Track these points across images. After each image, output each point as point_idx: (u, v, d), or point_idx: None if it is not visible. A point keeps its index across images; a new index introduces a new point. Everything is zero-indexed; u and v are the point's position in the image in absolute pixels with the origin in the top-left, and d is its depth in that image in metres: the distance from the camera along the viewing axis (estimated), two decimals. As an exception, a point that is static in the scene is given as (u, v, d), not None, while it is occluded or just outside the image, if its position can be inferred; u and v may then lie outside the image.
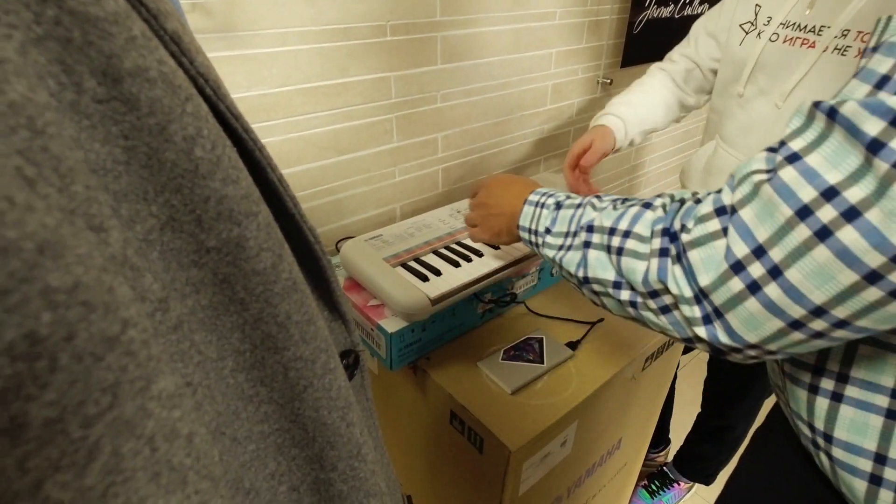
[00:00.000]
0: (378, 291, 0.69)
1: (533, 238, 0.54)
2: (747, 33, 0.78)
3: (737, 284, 0.33)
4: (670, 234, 0.39)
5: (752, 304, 0.33)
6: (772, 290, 0.32)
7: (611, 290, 0.44)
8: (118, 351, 0.10)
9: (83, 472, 0.09)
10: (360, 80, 0.83)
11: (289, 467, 0.23)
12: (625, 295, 0.43)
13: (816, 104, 0.31)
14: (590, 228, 0.46)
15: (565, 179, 0.87)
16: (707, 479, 1.26)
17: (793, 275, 0.31)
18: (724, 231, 0.35)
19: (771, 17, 0.75)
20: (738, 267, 0.33)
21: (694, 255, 0.36)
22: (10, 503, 0.08)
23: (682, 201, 0.42)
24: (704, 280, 0.35)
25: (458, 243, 0.79)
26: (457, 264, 0.74)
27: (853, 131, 0.29)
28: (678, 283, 0.37)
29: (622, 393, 0.77)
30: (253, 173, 0.20)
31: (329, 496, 0.25)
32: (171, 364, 0.16)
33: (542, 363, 0.71)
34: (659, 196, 0.45)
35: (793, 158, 0.31)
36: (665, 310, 0.40)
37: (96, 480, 0.10)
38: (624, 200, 0.47)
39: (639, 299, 0.41)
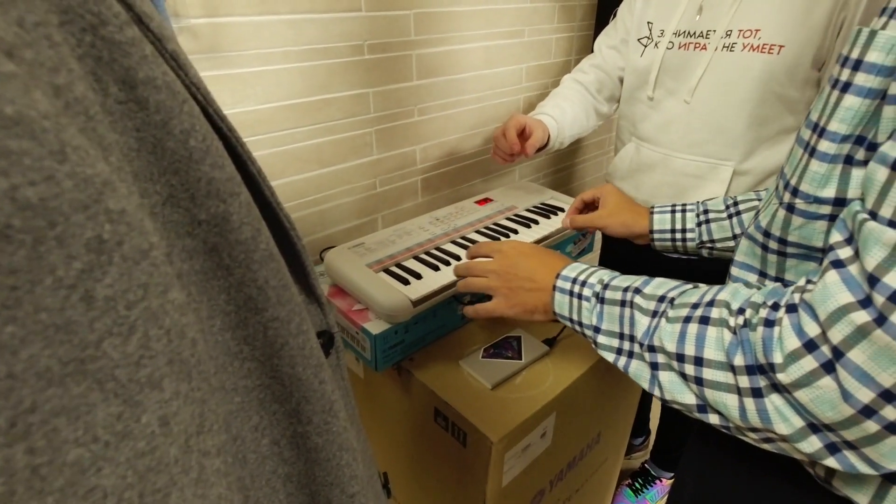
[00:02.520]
0: (362, 295, 0.73)
1: (579, 329, 0.52)
2: (645, 46, 0.90)
3: (872, 426, 0.32)
4: (758, 370, 0.36)
5: (893, 440, 0.32)
6: None
7: (696, 413, 0.41)
8: (148, 261, 0.14)
9: (126, 340, 0.13)
10: (341, 97, 0.87)
11: (270, 421, 0.26)
12: (714, 419, 0.40)
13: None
14: (651, 349, 0.43)
15: (499, 142, 0.92)
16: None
17: None
18: (826, 369, 0.32)
19: (664, 30, 0.87)
20: (868, 411, 0.31)
21: (802, 397, 0.34)
22: (81, 351, 0.12)
23: (745, 318, 0.39)
24: (827, 419, 0.33)
25: (438, 248, 0.83)
26: (436, 268, 0.78)
27: None
28: (786, 422, 0.35)
29: (598, 385, 0.81)
30: (236, 165, 0.24)
31: (306, 448, 0.28)
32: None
33: (521, 359, 0.75)
34: (711, 304, 0.41)
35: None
36: (768, 440, 0.38)
37: (134, 350, 0.13)
38: (672, 301, 0.44)
39: (732, 425, 0.39)
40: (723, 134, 0.84)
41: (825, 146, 0.38)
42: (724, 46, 0.80)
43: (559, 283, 0.54)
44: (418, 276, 0.75)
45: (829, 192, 0.39)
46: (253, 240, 0.22)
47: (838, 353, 0.31)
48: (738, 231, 0.67)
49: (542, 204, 0.99)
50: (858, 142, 0.36)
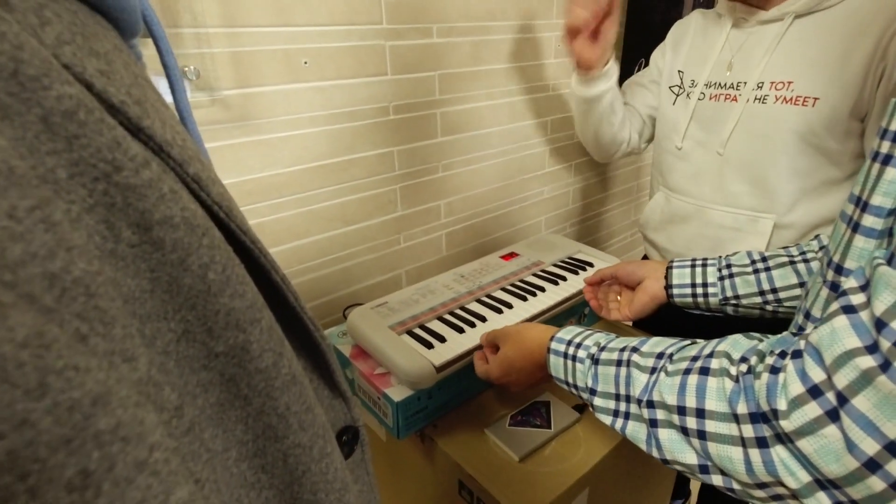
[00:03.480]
0: (384, 360, 0.71)
1: (576, 392, 0.51)
2: (677, 95, 0.89)
3: (878, 483, 0.30)
4: (762, 418, 0.35)
5: None
6: None
7: (699, 475, 0.39)
8: (146, 472, 0.12)
9: None
10: (366, 156, 0.89)
11: None
12: (717, 480, 0.38)
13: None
14: (651, 405, 0.42)
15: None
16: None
17: None
18: (830, 416, 0.31)
19: (695, 80, 0.86)
20: (872, 465, 0.30)
21: (805, 446, 0.32)
22: None
23: (749, 366, 0.37)
24: (831, 472, 0.31)
25: (462, 308, 0.81)
26: (461, 330, 0.76)
27: None
28: (793, 475, 0.33)
29: (633, 454, 0.76)
30: (259, 276, 0.22)
31: None
32: (185, 465, 0.18)
33: (550, 428, 0.71)
34: (711, 355, 0.40)
35: None
36: (778, 498, 0.36)
37: None
38: (671, 356, 0.43)
39: (737, 486, 0.37)
40: (760, 186, 0.81)
41: (871, 221, 0.37)
42: (755, 98, 0.79)
43: (553, 345, 0.53)
44: (442, 339, 0.73)
45: (869, 257, 0.36)
46: (274, 366, 0.21)
47: (843, 399, 0.30)
48: (765, 287, 0.63)
49: (569, 258, 0.97)
50: None
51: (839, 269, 0.39)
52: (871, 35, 0.69)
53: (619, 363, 0.46)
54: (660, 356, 0.44)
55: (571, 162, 1.30)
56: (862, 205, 0.38)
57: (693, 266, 0.69)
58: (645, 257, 1.05)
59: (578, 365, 0.49)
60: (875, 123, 0.72)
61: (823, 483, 0.32)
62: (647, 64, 1.32)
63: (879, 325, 0.29)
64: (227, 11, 0.67)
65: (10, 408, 0.09)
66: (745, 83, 0.80)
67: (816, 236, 0.64)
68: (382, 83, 0.86)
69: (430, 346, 0.72)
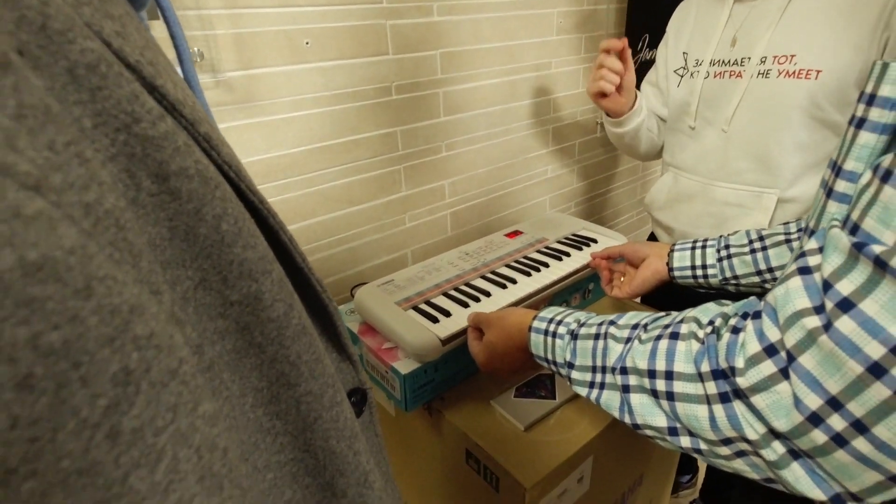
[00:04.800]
0: (391, 334, 0.73)
1: (555, 369, 0.52)
2: (681, 77, 0.89)
3: (820, 436, 0.31)
4: (721, 375, 0.36)
5: (841, 455, 0.30)
6: (861, 444, 0.29)
7: (668, 437, 0.40)
8: (177, 380, 0.14)
9: (154, 469, 0.12)
10: (369, 137, 0.89)
11: (303, 495, 0.26)
12: (685, 441, 0.39)
13: (858, 246, 0.29)
14: (623, 371, 0.43)
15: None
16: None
17: (881, 432, 0.28)
18: (783, 374, 0.32)
19: (699, 59, 0.86)
20: (815, 419, 0.30)
21: (758, 401, 0.33)
22: (106, 491, 0.11)
23: (714, 327, 0.39)
24: (780, 426, 0.32)
25: (467, 284, 0.83)
26: (466, 304, 0.77)
27: None
28: (752, 427, 0.34)
29: (637, 426, 0.77)
30: (268, 236, 0.24)
31: None
32: (210, 387, 0.19)
33: (554, 398, 0.73)
34: (682, 321, 0.42)
35: (846, 306, 0.29)
36: (741, 454, 0.37)
37: (162, 477, 0.13)
38: (645, 326, 0.44)
39: (703, 446, 0.38)
40: (763, 161, 0.81)
41: (843, 186, 0.36)
42: (759, 73, 0.79)
43: (535, 323, 0.54)
44: (447, 314, 0.75)
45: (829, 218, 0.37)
46: (285, 316, 0.22)
47: (791, 357, 0.31)
48: (762, 266, 0.64)
49: (573, 235, 0.97)
50: None
51: (812, 235, 0.39)
52: (874, 5, 0.69)
53: (596, 336, 0.47)
54: (635, 327, 0.45)
55: (575, 141, 1.29)
56: (836, 170, 0.37)
57: (693, 248, 0.70)
58: (652, 236, 1.05)
59: (558, 341, 0.50)
60: None
61: (778, 437, 0.33)
62: (650, 41, 1.31)
63: (826, 286, 0.30)
64: (228, -8, 0.67)
65: (63, 304, 0.11)
66: (749, 58, 0.79)
67: None
68: (384, 63, 0.86)
69: (435, 320, 0.74)
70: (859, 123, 0.36)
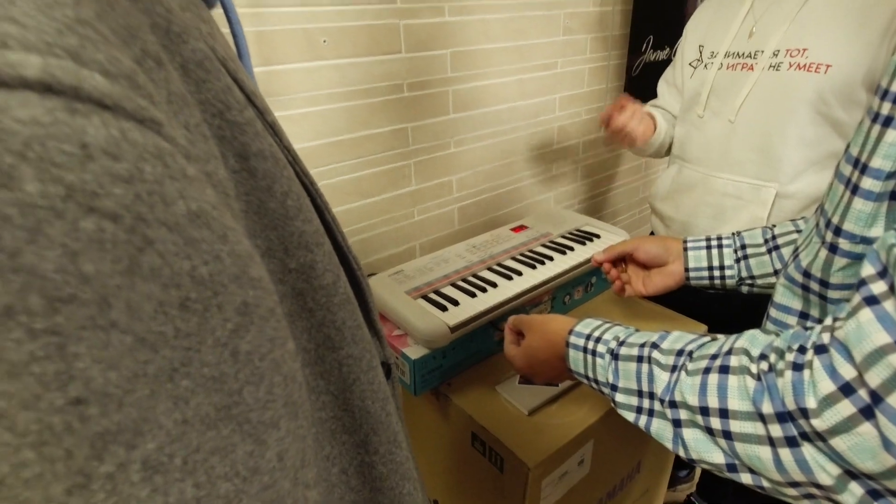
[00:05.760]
0: (401, 321, 0.76)
1: (596, 387, 0.50)
2: (695, 68, 0.92)
3: None
4: (789, 417, 0.34)
5: None
6: None
7: (727, 473, 0.39)
8: (275, 318, 0.16)
9: (258, 387, 0.15)
10: (381, 132, 0.92)
11: (340, 451, 0.28)
12: (746, 479, 0.38)
13: None
14: (673, 404, 0.41)
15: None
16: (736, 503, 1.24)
17: None
18: (865, 414, 0.30)
19: (714, 51, 0.89)
20: None
21: (838, 444, 0.31)
22: (228, 398, 0.14)
23: (769, 363, 0.37)
24: (866, 469, 0.31)
25: (475, 275, 0.86)
26: (473, 294, 0.80)
27: None
28: (826, 471, 0.33)
29: (636, 414, 0.81)
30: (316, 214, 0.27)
31: (371, 478, 0.30)
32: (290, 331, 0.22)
33: (557, 385, 0.76)
34: (730, 352, 0.40)
35: None
36: (809, 497, 0.35)
37: (263, 395, 0.15)
38: (690, 354, 0.43)
39: (766, 484, 0.37)
40: (766, 154, 0.83)
41: (869, 184, 0.37)
42: (770, 66, 0.81)
43: (572, 339, 0.53)
44: (455, 303, 0.78)
45: (878, 230, 0.37)
46: (333, 285, 0.25)
47: (877, 397, 0.29)
48: (778, 266, 0.63)
49: (576, 230, 1.00)
50: None
51: (837, 231, 0.40)
52: (887, 7, 0.70)
53: (639, 359, 0.45)
54: (679, 353, 0.43)
55: (579, 139, 1.32)
56: (861, 167, 0.38)
57: (709, 247, 0.69)
58: (652, 232, 1.08)
59: (598, 360, 0.49)
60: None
61: (856, 474, 0.32)
62: (655, 41, 1.34)
63: None
64: (250, -9, 0.71)
65: (211, 245, 0.14)
66: (763, 51, 0.82)
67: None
68: (396, 61, 0.89)
69: (444, 308, 0.77)
70: (886, 121, 0.35)
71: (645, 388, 0.44)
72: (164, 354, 0.12)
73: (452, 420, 0.77)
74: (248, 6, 0.71)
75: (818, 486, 0.33)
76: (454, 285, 0.83)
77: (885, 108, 0.36)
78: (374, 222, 0.98)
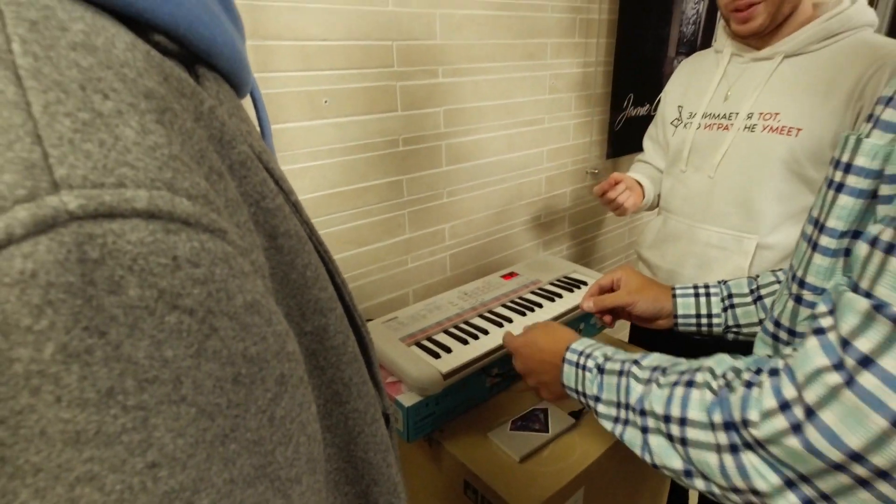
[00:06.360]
0: (395, 369, 0.78)
1: (583, 400, 0.55)
2: (676, 127, 0.99)
3: (846, 479, 0.33)
4: (734, 427, 0.38)
5: (865, 495, 0.33)
6: (886, 489, 0.32)
7: (684, 479, 0.43)
8: (304, 385, 0.19)
9: (287, 447, 0.18)
10: (377, 184, 0.97)
11: (342, 502, 0.30)
12: (699, 484, 0.42)
13: (877, 307, 0.31)
14: (643, 413, 0.46)
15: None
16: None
17: None
18: (796, 429, 0.34)
19: (693, 112, 0.96)
20: (839, 467, 0.33)
21: (776, 451, 0.36)
22: (263, 458, 0.17)
23: (726, 380, 0.41)
24: (803, 470, 0.35)
25: (467, 322, 0.88)
26: (465, 342, 0.83)
27: None
28: (764, 478, 0.37)
29: (627, 458, 0.82)
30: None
31: None
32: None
33: (548, 432, 0.77)
34: (698, 370, 0.45)
35: (866, 362, 0.31)
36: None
37: (290, 454, 0.18)
38: (664, 370, 0.47)
39: (717, 490, 0.41)
40: (745, 208, 0.88)
41: (826, 241, 0.41)
42: (745, 127, 0.87)
43: (568, 355, 0.58)
44: (448, 350, 0.80)
45: (835, 283, 0.41)
46: (343, 345, 0.27)
47: (811, 412, 0.33)
48: (762, 315, 0.66)
49: (564, 278, 1.04)
50: (855, 236, 0.40)
51: (801, 283, 0.45)
52: (850, 77, 0.77)
53: (620, 373, 0.50)
54: (655, 369, 0.48)
55: (567, 188, 1.38)
56: (819, 226, 0.42)
57: (697, 295, 0.71)
58: None
59: (587, 374, 0.54)
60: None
61: (794, 482, 0.35)
62: (635, 99, 1.43)
63: (845, 344, 0.32)
64: (261, 59, 0.76)
65: (259, 328, 0.16)
66: (738, 114, 0.88)
67: None
68: (393, 118, 0.95)
69: (437, 356, 0.79)
70: (838, 188, 0.40)
71: (622, 399, 0.49)
72: (218, 423, 0.15)
73: (445, 467, 0.77)
74: (256, 71, 0.76)
75: (756, 493, 0.37)
76: (447, 332, 0.86)
77: (837, 177, 0.41)
78: (369, 269, 1.02)
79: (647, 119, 1.51)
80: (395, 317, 0.89)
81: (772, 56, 0.86)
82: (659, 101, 1.08)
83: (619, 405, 0.49)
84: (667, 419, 0.43)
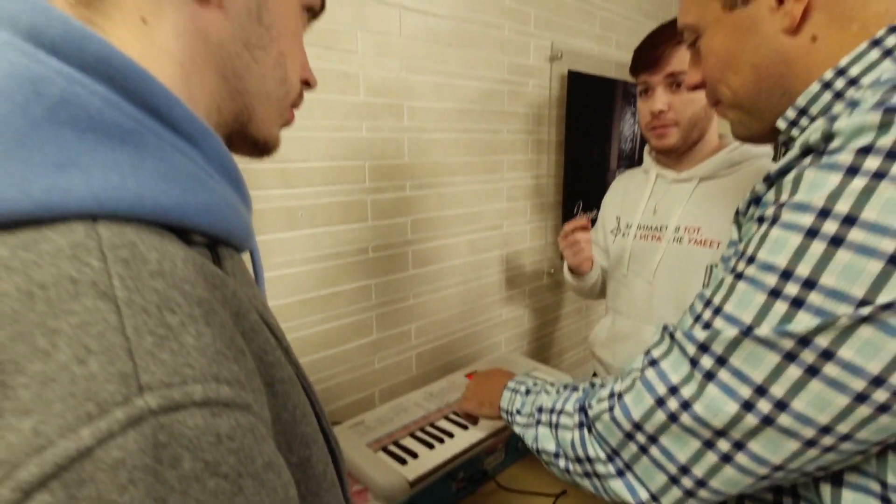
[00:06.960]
0: (362, 476, 0.78)
1: (508, 417, 0.68)
2: (615, 235, 1.11)
3: (633, 446, 0.47)
4: (584, 411, 0.53)
5: (645, 460, 0.46)
6: (654, 451, 0.45)
7: (553, 460, 0.56)
8: None
9: None
10: (347, 289, 1.02)
11: None
12: (562, 463, 0.55)
13: (665, 327, 0.47)
14: (540, 410, 0.60)
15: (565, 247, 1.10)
16: None
17: (662, 441, 0.45)
18: (611, 409, 0.49)
19: (629, 223, 1.08)
20: (630, 435, 0.47)
21: (598, 426, 0.50)
22: None
23: (594, 384, 0.58)
24: (612, 443, 0.48)
25: (432, 425, 0.90)
26: (431, 446, 0.84)
27: (682, 350, 0.43)
28: (595, 447, 0.51)
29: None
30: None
31: None
32: None
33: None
34: (591, 383, 0.59)
35: (653, 363, 0.46)
36: (588, 475, 0.52)
37: None
38: (566, 386, 0.61)
39: (571, 466, 0.54)
40: (682, 309, 0.98)
41: (721, 325, 0.51)
42: (674, 239, 0.99)
43: (509, 383, 0.71)
44: (415, 455, 0.82)
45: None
46: (324, 473, 0.31)
47: (619, 396, 0.49)
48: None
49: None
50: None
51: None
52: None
53: (539, 392, 0.64)
54: (565, 386, 0.62)
55: (525, 287, 1.47)
56: (714, 308, 0.47)
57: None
58: (594, 374, 1.18)
59: (517, 396, 0.67)
60: None
61: (610, 457, 0.49)
62: (584, 205, 1.57)
63: (646, 353, 0.48)
64: (247, 179, 0.83)
65: (272, 482, 0.21)
66: (667, 226, 1.01)
67: None
68: (363, 228, 1.03)
69: (403, 461, 0.80)
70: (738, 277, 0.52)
71: (532, 409, 0.62)
72: None
73: (410, 583, 0.76)
74: (240, 191, 0.83)
75: (590, 461, 0.51)
76: (413, 436, 0.87)
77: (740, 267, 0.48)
78: (337, 371, 1.04)
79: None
80: (362, 420, 0.91)
81: (689, 178, 1.01)
82: (599, 213, 1.22)
83: (530, 415, 0.62)
84: (552, 411, 0.58)
